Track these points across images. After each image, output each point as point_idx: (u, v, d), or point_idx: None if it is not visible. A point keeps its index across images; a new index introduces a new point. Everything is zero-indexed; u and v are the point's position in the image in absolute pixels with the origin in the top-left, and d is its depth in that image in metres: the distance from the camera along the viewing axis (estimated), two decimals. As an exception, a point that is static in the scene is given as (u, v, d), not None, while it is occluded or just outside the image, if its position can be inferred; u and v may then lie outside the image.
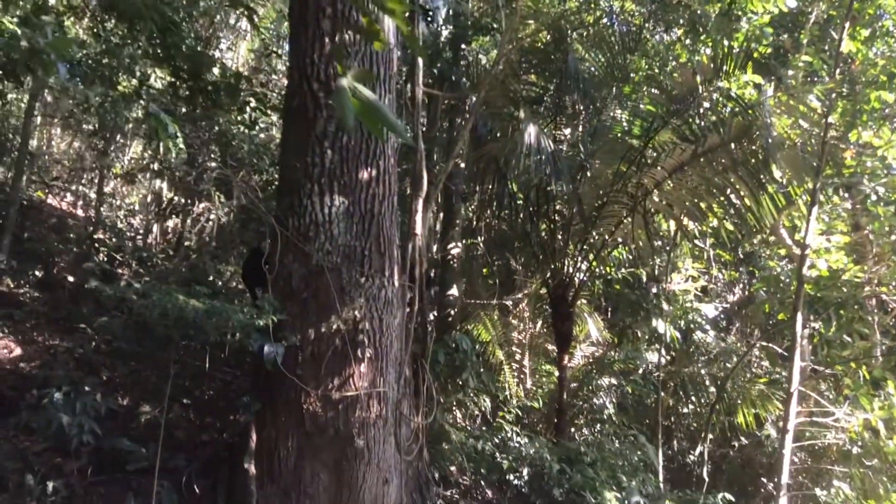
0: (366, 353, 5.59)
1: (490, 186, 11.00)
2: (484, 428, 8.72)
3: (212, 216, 8.96)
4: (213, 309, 4.74)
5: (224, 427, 6.04)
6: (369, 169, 5.96)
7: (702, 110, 9.51)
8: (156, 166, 10.34)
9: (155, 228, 10.14)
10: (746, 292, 14.73)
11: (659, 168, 9.45)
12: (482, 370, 8.06)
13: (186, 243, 9.48)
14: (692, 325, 12.07)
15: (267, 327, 5.20)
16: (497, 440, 8.16)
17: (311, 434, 5.45)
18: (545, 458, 7.33)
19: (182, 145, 5.19)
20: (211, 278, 6.95)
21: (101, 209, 11.09)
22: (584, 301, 11.83)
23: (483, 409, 9.44)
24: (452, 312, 10.96)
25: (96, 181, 11.58)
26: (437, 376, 7.18)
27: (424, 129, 11.11)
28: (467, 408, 9.71)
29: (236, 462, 5.45)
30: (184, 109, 7.40)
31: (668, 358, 12.47)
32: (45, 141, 10.40)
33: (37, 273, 8.70)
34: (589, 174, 10.32)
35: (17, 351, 7.19)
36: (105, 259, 8.11)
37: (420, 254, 6.58)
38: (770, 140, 9.11)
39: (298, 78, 6.12)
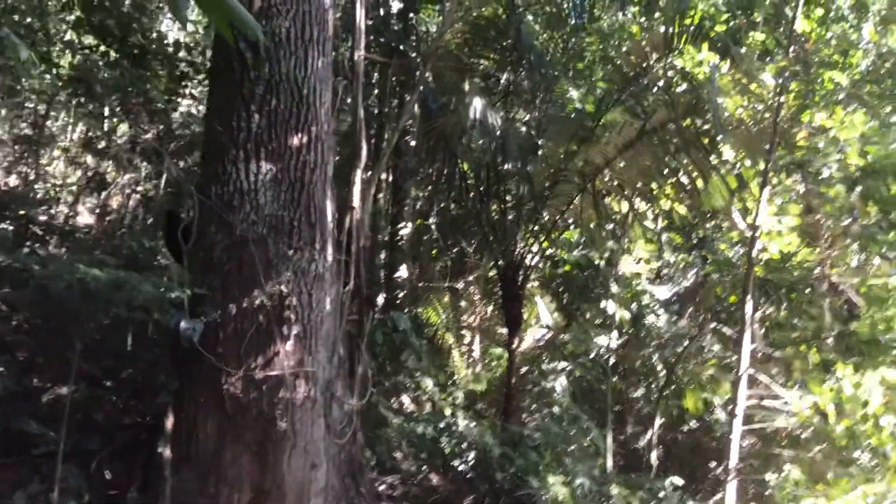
0: (292, 330, 5.25)
1: (440, 164, 10.71)
2: (426, 412, 8.44)
3: (138, 188, 8.52)
4: (118, 279, 4.36)
5: (146, 410, 5.65)
6: (300, 135, 5.60)
7: (652, 86, 9.32)
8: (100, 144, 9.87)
9: (82, 205, 9.62)
10: (700, 277, 14.67)
11: (609, 146, 9.23)
12: (424, 352, 7.75)
13: (111, 217, 9.03)
14: (644, 309, 11.91)
15: (181, 301, 4.83)
16: (441, 425, 7.89)
17: (233, 415, 5.09)
18: (487, 442, 7.06)
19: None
20: (135, 252, 6.50)
21: (36, 186, 10.54)
22: (536, 284, 11.61)
23: (427, 393, 9.17)
24: (401, 294, 10.66)
25: (38, 159, 10.99)
26: (375, 357, 6.87)
27: (375, 102, 10.77)
28: (415, 392, 9.44)
29: (152, 446, 5.09)
30: (106, 74, 6.95)
31: (620, 342, 12.33)
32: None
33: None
34: (540, 153, 10.07)
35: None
36: (26, 233, 7.62)
37: (357, 228, 6.25)
38: (720, 118, 8.95)
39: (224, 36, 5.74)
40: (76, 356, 4.68)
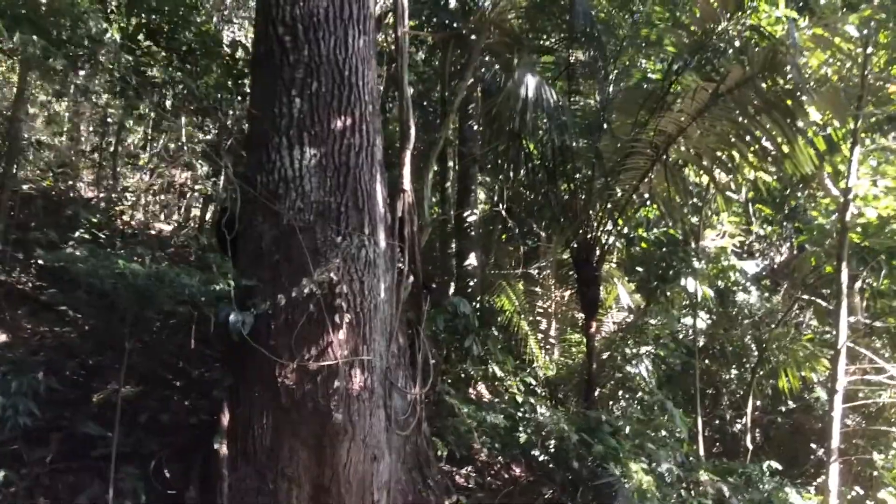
0: (344, 318, 5.06)
1: (504, 147, 10.39)
2: (496, 400, 8.14)
3: (196, 187, 8.52)
4: (157, 273, 4.25)
5: (205, 408, 5.57)
6: (343, 118, 5.41)
7: (725, 47, 8.75)
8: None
9: (156, 210, 9.72)
10: (794, 251, 13.84)
11: (681, 113, 8.71)
12: (493, 338, 7.45)
13: (173, 217, 9.09)
14: (732, 285, 11.29)
15: (228, 294, 4.69)
16: (518, 413, 7.60)
17: (288, 409, 4.94)
18: (564, 429, 6.72)
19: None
20: (202, 251, 6.47)
21: (112, 195, 10.74)
22: (613, 265, 11.15)
23: (505, 382, 8.89)
24: (472, 283, 10.39)
25: (109, 169, 11.22)
26: (438, 345, 6.63)
27: (433, 84, 10.52)
28: (492, 382, 9.16)
29: (210, 444, 4.98)
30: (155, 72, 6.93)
31: (709, 321, 11.73)
32: (43, 125, 10.05)
33: (39, 261, 8.37)
34: (607, 126, 9.62)
35: (2, 338, 6.84)
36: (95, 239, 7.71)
37: (409, 211, 6.02)
38: (801, 75, 8.32)
39: (264, 22, 5.61)
40: (125, 355, 4.60)
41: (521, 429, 7.25)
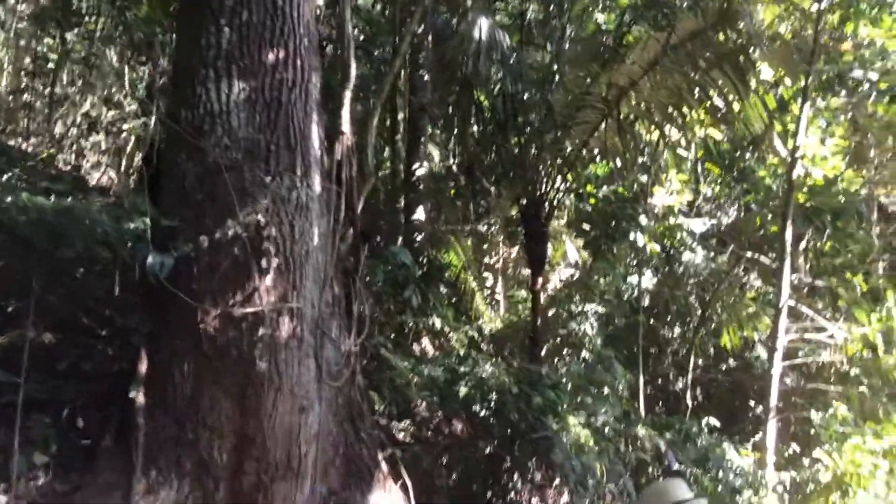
0: (272, 263, 4.79)
1: (455, 97, 10.13)
2: (438, 354, 8.00)
3: (125, 126, 8.13)
4: (65, 207, 3.93)
5: (125, 356, 5.27)
6: (275, 50, 5.08)
7: (679, -2, 8.58)
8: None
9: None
10: (741, 212, 13.89)
11: (633, 65, 8.54)
12: (431, 289, 7.28)
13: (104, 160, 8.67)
14: (678, 244, 11.27)
15: (144, 234, 4.40)
16: (461, 368, 7.46)
17: (210, 357, 4.68)
18: (504, 382, 6.61)
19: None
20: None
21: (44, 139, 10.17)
22: (562, 222, 11.04)
23: (451, 337, 8.75)
24: (419, 237, 10.16)
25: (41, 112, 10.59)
26: (377, 296, 6.42)
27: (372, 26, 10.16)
28: (441, 337, 9.02)
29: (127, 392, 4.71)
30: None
31: (654, 280, 11.73)
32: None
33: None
34: (559, 79, 9.42)
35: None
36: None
37: (348, 155, 5.74)
38: (754, 28, 8.20)
39: (191, -53, 5.24)
40: (32, 297, 4.28)
41: (461, 383, 7.13)
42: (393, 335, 8.02)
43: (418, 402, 7.08)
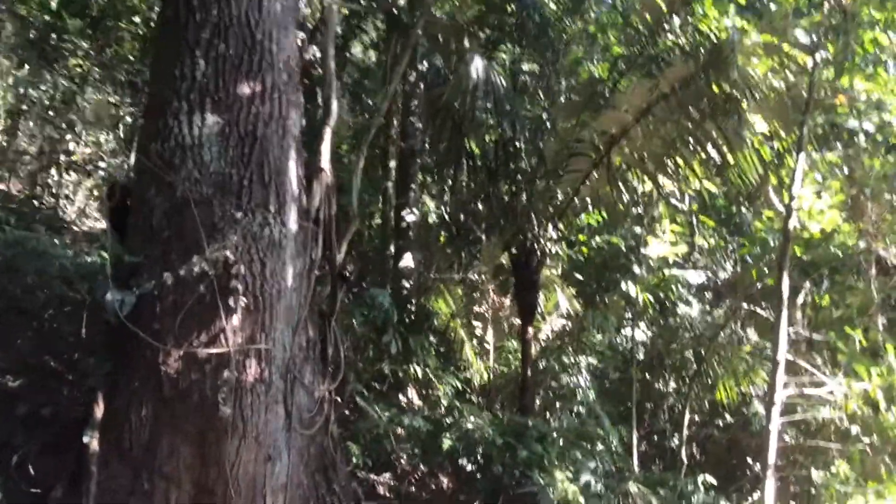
0: (240, 302, 4.56)
1: (446, 143, 10.01)
2: (419, 404, 7.71)
3: (101, 164, 7.97)
4: (16, 239, 3.72)
5: (81, 398, 5.01)
6: (251, 83, 4.96)
7: (670, 47, 8.51)
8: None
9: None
10: (738, 266, 13.67)
11: (624, 112, 8.43)
12: (413, 335, 7.01)
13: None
14: (673, 296, 11.03)
15: (104, 269, 4.18)
16: (446, 420, 7.18)
17: (170, 400, 4.43)
18: (487, 433, 6.31)
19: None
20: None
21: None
22: (554, 271, 10.83)
23: (429, 383, 8.47)
24: (408, 284, 9.95)
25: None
26: (356, 341, 6.16)
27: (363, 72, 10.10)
28: (428, 388, 8.73)
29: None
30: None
31: (649, 333, 11.47)
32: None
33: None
34: (551, 126, 9.31)
35: None
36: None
37: (328, 194, 5.55)
38: (746, 78, 8.11)
39: (170, -19, 5.14)
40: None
41: (445, 435, 6.83)
42: (376, 384, 7.76)
43: (400, 454, 6.77)
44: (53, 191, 8.41)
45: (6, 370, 5.30)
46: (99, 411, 4.45)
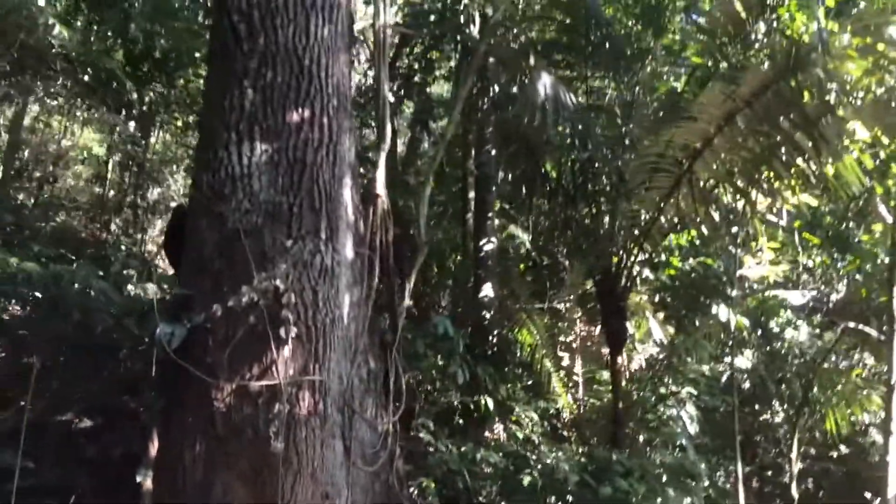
0: (290, 332, 4.41)
1: (522, 169, 9.77)
2: (497, 439, 7.36)
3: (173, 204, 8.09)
4: (55, 273, 3.67)
5: (135, 437, 4.95)
6: (300, 110, 4.86)
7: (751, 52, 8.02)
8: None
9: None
10: (848, 283, 12.72)
11: (706, 123, 7.96)
12: (480, 367, 6.69)
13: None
14: (775, 318, 10.32)
15: (153, 304, 4.11)
16: (529, 454, 6.82)
17: (223, 437, 4.30)
18: (564, 469, 5.91)
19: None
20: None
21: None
22: (642, 297, 10.31)
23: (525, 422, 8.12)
24: (488, 315, 9.66)
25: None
26: (423, 372, 5.91)
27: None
28: (509, 421, 8.39)
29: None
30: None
31: (752, 359, 10.75)
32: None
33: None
34: (629, 142, 8.91)
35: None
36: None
37: (384, 220, 5.38)
38: (837, 81, 7.55)
39: (218, 13, 5.18)
40: (33, 375, 4.02)
41: (526, 471, 6.47)
42: (460, 418, 7.49)
43: (478, 492, 6.43)
44: (130, 231, 8.66)
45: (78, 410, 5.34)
46: (152, 449, 4.37)
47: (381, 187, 5.39)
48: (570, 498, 6.20)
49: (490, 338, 9.27)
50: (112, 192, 8.89)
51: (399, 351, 5.32)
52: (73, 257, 4.54)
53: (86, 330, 4.19)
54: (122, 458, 4.56)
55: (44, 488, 4.32)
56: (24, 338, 4.72)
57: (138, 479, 4.22)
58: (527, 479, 6.36)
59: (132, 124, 7.21)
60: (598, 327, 10.85)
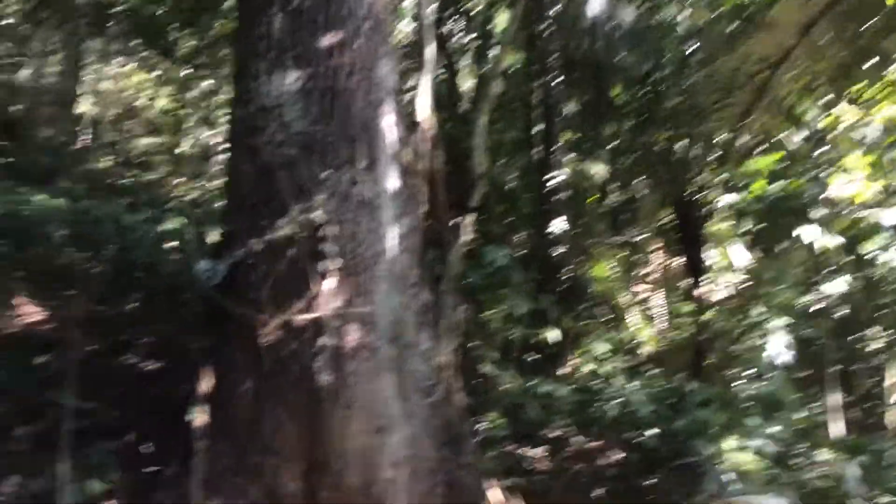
0: (333, 265, 4.27)
1: (589, 94, 9.36)
2: (571, 374, 7.14)
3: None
4: (80, 208, 3.61)
5: (187, 376, 4.94)
6: (331, 34, 4.64)
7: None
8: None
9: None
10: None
11: (784, 30, 7.38)
12: (548, 301, 6.44)
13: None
14: (873, 242, 9.62)
15: (186, 240, 4.04)
16: (596, 387, 6.60)
17: (271, 373, 4.22)
18: (641, 400, 5.65)
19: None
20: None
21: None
22: (723, 224, 9.79)
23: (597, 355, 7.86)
24: (559, 250, 9.36)
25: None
26: (478, 304, 5.71)
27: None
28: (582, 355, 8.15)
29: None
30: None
31: (845, 285, 10.11)
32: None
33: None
34: (699, 58, 8.37)
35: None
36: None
37: (430, 148, 5.15)
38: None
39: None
40: (78, 312, 4.03)
41: (597, 404, 6.26)
42: (529, 353, 7.30)
43: (547, 426, 6.26)
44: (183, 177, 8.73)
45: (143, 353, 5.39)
46: (202, 388, 4.33)
47: (424, 115, 5.15)
48: (645, 431, 5.96)
49: (560, 274, 8.99)
50: (163, 139, 9.00)
51: (455, 284, 5.13)
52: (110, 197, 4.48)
53: (149, 273, 4.17)
54: (182, 399, 4.52)
55: (102, 428, 4.37)
56: (88, 283, 4.70)
57: (190, 417, 4.20)
58: (599, 413, 6.16)
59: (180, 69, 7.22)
60: (678, 257, 10.44)
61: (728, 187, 9.22)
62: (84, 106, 9.92)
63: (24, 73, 8.77)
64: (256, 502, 4.15)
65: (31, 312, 5.65)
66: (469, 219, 5.77)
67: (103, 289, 4.35)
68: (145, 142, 9.56)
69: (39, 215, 3.55)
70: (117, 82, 10.80)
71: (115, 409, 4.57)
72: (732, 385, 8.90)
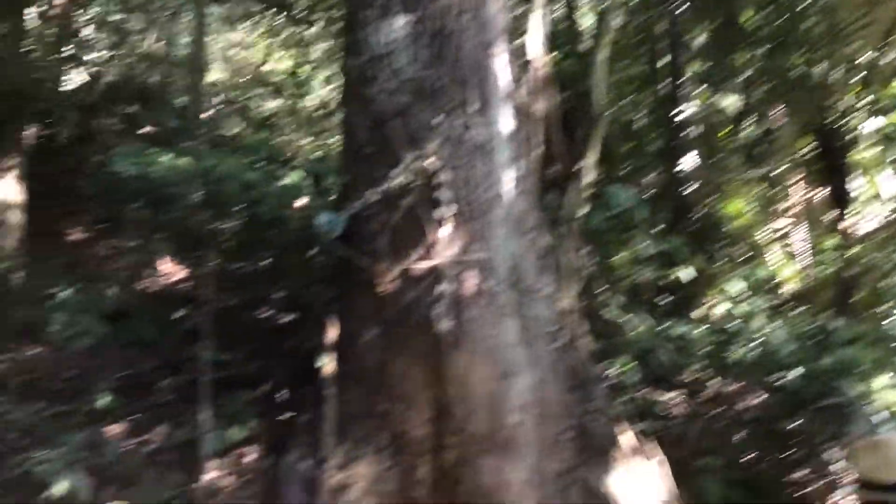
0: (449, 211, 4.24)
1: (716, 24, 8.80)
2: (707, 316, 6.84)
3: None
4: (205, 168, 3.72)
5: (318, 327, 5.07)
6: (437, -26, 4.53)
7: None
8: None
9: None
10: None
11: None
12: (678, 240, 6.15)
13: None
14: None
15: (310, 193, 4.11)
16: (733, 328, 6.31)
17: (393, 321, 4.28)
18: (779, 340, 5.35)
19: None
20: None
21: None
22: (870, 151, 9.07)
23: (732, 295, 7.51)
24: (690, 188, 8.94)
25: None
26: (603, 247, 5.53)
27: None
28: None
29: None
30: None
31: None
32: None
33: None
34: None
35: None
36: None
37: (542, 87, 4.99)
38: None
39: None
40: (211, 269, 4.19)
41: (734, 346, 5.99)
42: (661, 295, 7.05)
43: (681, 369, 6.06)
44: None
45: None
46: (330, 337, 4.44)
47: (535, 53, 4.98)
48: (786, 372, 5.65)
49: (692, 214, 8.59)
50: (287, 100, 9.26)
51: (577, 227, 4.99)
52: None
53: (275, 229, 4.30)
54: (313, 349, 4.66)
55: (240, 378, 4.58)
56: (219, 241, 4.89)
57: (319, 366, 4.32)
58: (736, 355, 5.89)
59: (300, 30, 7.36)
60: (821, 189, 9.78)
61: (873, 111, 8.52)
62: (214, 74, 10.31)
63: (155, 44, 9.23)
64: (385, 447, 4.25)
65: (171, 271, 5.99)
66: (591, 159, 5.59)
67: (235, 246, 4.54)
68: (271, 105, 9.89)
69: (168, 175, 3.71)
70: (243, 48, 11.18)
71: (251, 360, 4.77)
72: (882, 322, 8.35)
